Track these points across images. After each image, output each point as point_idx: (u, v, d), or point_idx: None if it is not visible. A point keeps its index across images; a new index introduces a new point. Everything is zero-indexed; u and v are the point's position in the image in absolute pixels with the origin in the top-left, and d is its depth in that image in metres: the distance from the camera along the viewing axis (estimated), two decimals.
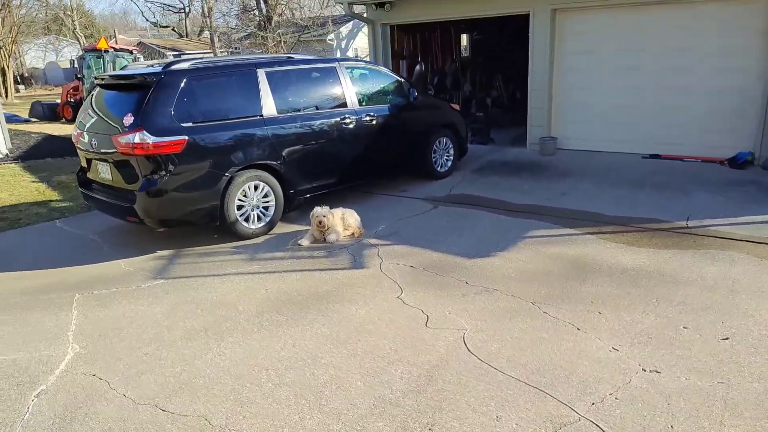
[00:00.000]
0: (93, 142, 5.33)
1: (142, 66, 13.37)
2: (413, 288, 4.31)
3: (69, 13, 38.62)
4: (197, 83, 5.18)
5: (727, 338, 3.42)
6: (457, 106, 8.25)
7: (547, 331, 3.61)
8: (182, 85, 5.05)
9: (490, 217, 5.99)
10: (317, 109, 6.14)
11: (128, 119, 4.91)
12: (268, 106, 5.61)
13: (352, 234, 5.53)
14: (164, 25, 44.17)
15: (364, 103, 6.57)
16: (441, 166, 7.64)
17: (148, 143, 4.81)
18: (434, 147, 7.45)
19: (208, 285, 4.52)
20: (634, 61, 8.07)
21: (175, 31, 44.33)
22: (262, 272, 4.74)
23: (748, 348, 3.30)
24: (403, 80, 7.26)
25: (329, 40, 27.45)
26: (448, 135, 7.65)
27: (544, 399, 2.94)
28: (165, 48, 35.86)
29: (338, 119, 6.21)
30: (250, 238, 5.54)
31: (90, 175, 5.73)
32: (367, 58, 11.35)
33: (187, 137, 4.97)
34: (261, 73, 5.61)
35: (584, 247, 5.00)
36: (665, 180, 6.93)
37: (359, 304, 4.09)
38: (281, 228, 5.86)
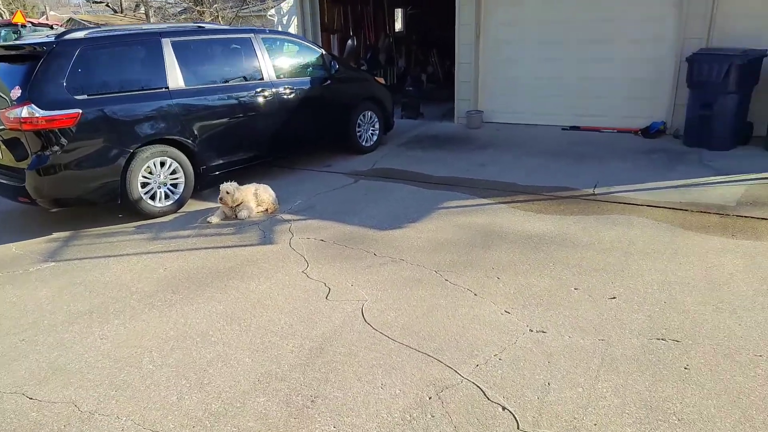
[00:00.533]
0: None
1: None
2: (319, 262, 4.24)
3: None
4: (93, 53, 4.86)
5: (614, 297, 3.52)
6: (382, 80, 8.16)
7: (445, 297, 3.62)
8: (76, 55, 4.72)
9: (409, 189, 5.97)
10: (230, 81, 5.91)
11: (16, 92, 4.56)
12: (175, 78, 5.34)
13: (266, 210, 5.39)
14: (97, 0, 41.81)
15: (281, 76, 6.37)
16: (366, 141, 7.56)
17: (37, 117, 4.50)
18: (358, 121, 7.35)
19: (103, 266, 4.30)
20: (556, 33, 8.16)
21: (109, 6, 42.08)
22: (163, 251, 4.56)
23: (632, 306, 3.40)
24: (324, 53, 7.08)
25: (269, 15, 26.69)
26: (373, 109, 7.56)
27: (431, 364, 2.94)
28: (97, 25, 34.04)
29: (253, 92, 6.00)
30: (157, 217, 5.31)
31: None
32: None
33: (81, 110, 4.67)
34: (166, 43, 5.32)
35: (494, 215, 5.05)
36: (580, 150, 7.09)
37: (261, 279, 3.99)
38: (193, 206, 5.65)
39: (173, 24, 8.30)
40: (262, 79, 6.11)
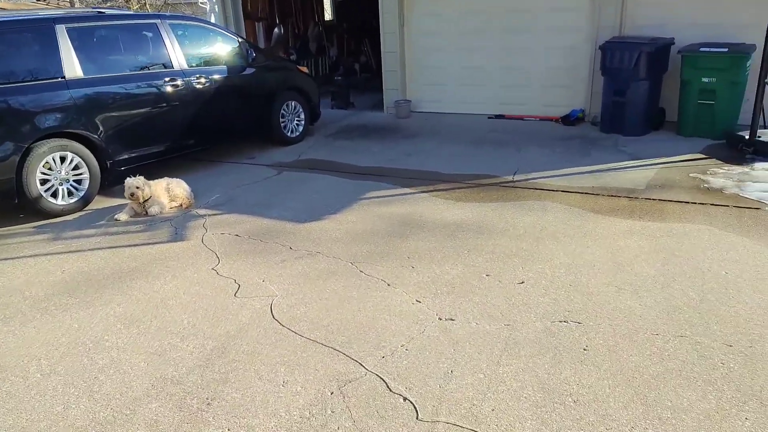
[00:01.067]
0: None
1: None
2: (232, 258, 4.09)
3: None
4: None
5: (522, 282, 3.56)
6: (306, 69, 7.98)
7: (358, 289, 3.56)
8: None
9: (331, 180, 5.87)
10: (136, 70, 5.60)
11: None
12: (72, 67, 5.00)
13: (180, 205, 5.16)
14: None
15: (194, 65, 6.10)
16: (291, 131, 7.38)
17: None
18: (282, 111, 7.16)
19: None
20: (479, 23, 8.21)
21: None
22: (63, 252, 4.27)
23: (539, 290, 3.46)
24: (241, 41, 6.84)
25: (201, 2, 25.72)
26: (297, 98, 7.38)
27: (337, 358, 2.88)
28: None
29: (162, 81, 5.71)
30: (60, 216, 4.98)
31: None
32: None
33: None
34: (61, 30, 4.97)
35: (415, 205, 5.03)
36: (503, 138, 7.19)
37: (167, 278, 3.80)
38: (101, 203, 5.34)
39: (70, 9, 7.78)
40: (172, 67, 5.83)
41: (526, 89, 8.19)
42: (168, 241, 4.43)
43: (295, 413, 2.50)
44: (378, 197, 5.29)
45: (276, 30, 11.37)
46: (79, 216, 5.03)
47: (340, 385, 2.67)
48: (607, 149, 6.46)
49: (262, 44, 11.07)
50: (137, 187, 4.90)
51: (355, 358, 2.86)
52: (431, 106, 8.91)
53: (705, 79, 6.32)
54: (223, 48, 6.58)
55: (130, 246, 4.35)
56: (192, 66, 6.06)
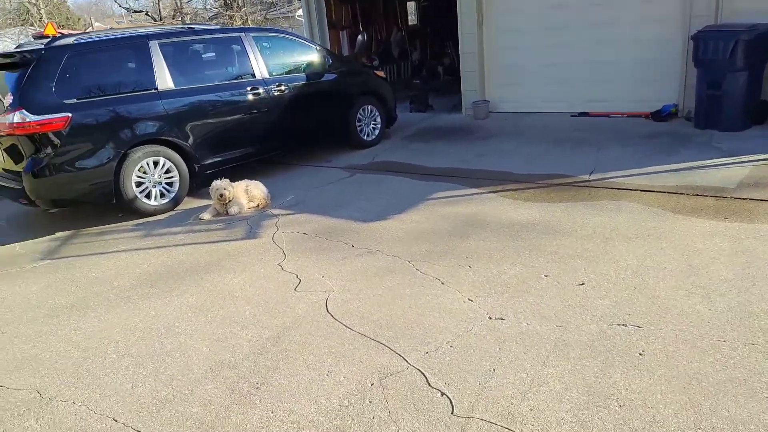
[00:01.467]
0: None
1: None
2: (297, 254, 4.28)
3: (33, 1, 37.72)
4: (81, 58, 5.05)
5: (582, 284, 3.42)
6: (382, 73, 8.13)
7: (411, 287, 3.59)
8: (64, 60, 4.92)
9: (403, 181, 5.94)
10: (222, 81, 6.03)
11: (9, 98, 4.79)
12: (164, 80, 5.49)
13: (258, 205, 5.48)
14: (137, 10, 43.38)
15: (275, 74, 6.45)
16: (367, 135, 7.56)
17: (28, 122, 4.71)
18: (358, 115, 7.36)
19: (93, 263, 4.47)
20: (561, 18, 7.94)
21: (149, 15, 43.61)
22: (151, 247, 4.69)
23: (600, 292, 3.30)
24: (319, 48, 7.13)
25: (298, 16, 26.99)
26: (373, 103, 7.55)
27: (382, 351, 2.93)
28: None
29: (245, 90, 6.09)
30: (153, 215, 5.47)
31: None
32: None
33: (70, 114, 4.86)
34: (154, 45, 5.48)
35: (481, 205, 4.97)
36: (584, 136, 6.89)
37: (237, 272, 4.06)
38: (189, 203, 5.79)
39: (165, 26, 8.44)
40: (254, 76, 6.20)
41: (612, 85, 7.79)
42: (242, 239, 4.72)
43: (334, 401, 2.59)
44: (445, 197, 5.28)
45: (359, 37, 11.71)
46: (169, 215, 5.50)
47: (381, 377, 2.72)
48: (699, 146, 5.98)
49: (346, 52, 11.43)
50: (225, 189, 5.27)
51: (399, 353, 2.90)
52: (511, 106, 8.72)
53: None
54: (301, 57, 6.89)
55: (208, 243, 4.69)
56: (273, 75, 6.41)
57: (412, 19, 13.37)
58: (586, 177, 5.39)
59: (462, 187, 5.55)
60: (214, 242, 4.69)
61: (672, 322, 2.93)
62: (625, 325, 2.94)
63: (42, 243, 5.03)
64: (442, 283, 3.60)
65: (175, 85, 5.56)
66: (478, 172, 5.98)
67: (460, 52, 8.78)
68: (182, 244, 4.71)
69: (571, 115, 8.05)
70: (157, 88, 5.43)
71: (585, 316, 3.06)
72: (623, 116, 7.62)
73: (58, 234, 5.23)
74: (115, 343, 3.25)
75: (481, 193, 5.29)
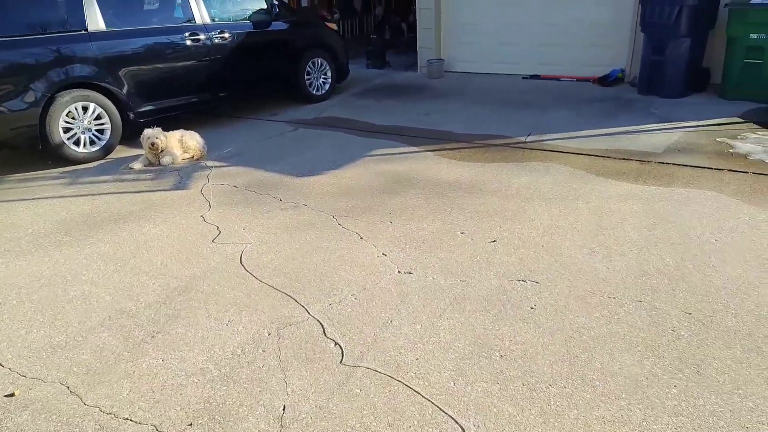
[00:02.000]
0: None
1: None
2: (222, 207, 4.22)
3: None
4: None
5: (494, 241, 3.47)
6: (334, 26, 7.93)
7: (330, 241, 3.60)
8: None
9: (344, 137, 5.88)
10: (158, 24, 5.78)
11: None
12: (95, 20, 5.23)
13: (192, 156, 5.36)
14: None
15: (217, 20, 6.21)
16: (317, 89, 7.42)
17: None
18: (307, 68, 7.19)
19: (11, 209, 4.33)
20: None
21: None
22: (74, 195, 4.57)
23: (509, 249, 3.36)
24: None
25: None
26: (323, 56, 7.38)
27: (286, 303, 2.95)
28: None
29: (184, 36, 5.87)
30: (82, 163, 5.30)
31: None
32: None
33: None
34: None
35: (416, 163, 4.97)
36: (530, 99, 6.90)
37: (156, 222, 3.99)
38: (122, 152, 5.63)
39: None
40: (194, 21, 5.96)
41: (565, 48, 7.78)
42: (169, 189, 4.63)
43: (228, 350, 2.60)
44: (382, 155, 5.26)
45: None
46: (99, 164, 5.34)
47: (279, 327, 2.74)
48: (637, 111, 6.06)
49: (305, 2, 11.07)
50: (156, 138, 5.13)
51: (302, 304, 2.92)
52: (466, 66, 8.65)
53: (753, 36, 5.74)
54: (247, 4, 6.65)
55: (134, 192, 4.59)
56: (215, 21, 6.18)
57: None
58: (522, 139, 5.42)
59: (402, 145, 5.53)
60: (139, 192, 4.59)
61: (569, 279, 3.01)
62: (525, 281, 3.01)
63: None
64: (361, 238, 3.61)
65: (106, 27, 5.31)
66: (421, 131, 5.95)
67: (417, 8, 8.61)
68: (107, 193, 4.59)
69: (523, 78, 8.03)
70: (87, 29, 5.17)
71: (489, 272, 3.12)
72: (573, 80, 7.64)
73: None
74: (17, 289, 3.18)
75: (419, 152, 5.28)
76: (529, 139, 5.39)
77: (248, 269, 3.30)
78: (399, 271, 3.19)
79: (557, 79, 7.76)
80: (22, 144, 5.01)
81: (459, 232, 3.62)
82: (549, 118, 6.04)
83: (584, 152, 4.92)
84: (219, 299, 3.01)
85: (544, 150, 5.07)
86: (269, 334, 2.70)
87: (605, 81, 7.24)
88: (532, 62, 8.07)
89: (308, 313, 2.85)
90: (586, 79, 7.52)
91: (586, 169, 4.55)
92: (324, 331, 2.69)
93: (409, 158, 5.12)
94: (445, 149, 5.32)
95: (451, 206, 4.01)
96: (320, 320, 2.78)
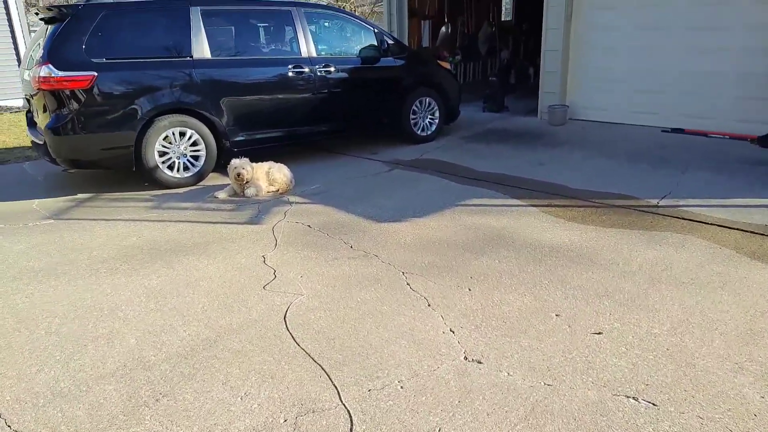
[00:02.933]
0: (27, 79, 5.26)
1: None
2: (288, 248, 3.82)
3: None
4: (117, 18, 4.90)
5: (600, 333, 2.66)
6: (447, 65, 7.50)
7: (391, 304, 3.01)
8: (98, 18, 4.80)
9: (440, 182, 5.31)
10: (263, 56, 5.72)
11: (40, 53, 4.75)
12: (200, 48, 5.25)
13: (278, 190, 5.10)
14: None
15: (323, 53, 6.05)
16: (422, 129, 6.98)
17: (53, 77, 4.63)
18: (413, 107, 6.79)
19: (89, 228, 4.29)
20: (659, 17, 6.89)
21: None
22: (152, 220, 4.44)
23: (618, 347, 2.54)
24: (377, 31, 6.62)
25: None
26: (432, 95, 6.95)
27: (317, 379, 2.40)
28: None
29: (288, 68, 5.74)
30: (174, 188, 5.26)
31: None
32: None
33: (96, 73, 4.73)
34: (195, 12, 5.24)
35: (515, 219, 4.25)
36: (669, 155, 5.86)
37: (216, 259, 3.67)
38: (214, 180, 5.54)
39: None
40: (300, 54, 5.83)
41: (714, 99, 6.65)
42: (243, 223, 4.35)
43: None
44: (477, 205, 4.61)
45: (443, 29, 11.08)
46: (189, 190, 5.27)
47: (300, 413, 2.19)
48: None
49: (426, 42, 10.84)
50: (243, 168, 4.96)
51: (336, 384, 2.35)
52: (594, 114, 7.75)
53: None
54: (356, 38, 6.44)
55: (208, 223, 4.37)
56: (321, 54, 6.01)
57: (505, 13, 12.51)
58: (655, 202, 4.48)
59: (503, 196, 4.84)
60: (213, 223, 4.36)
61: (701, 406, 2.14)
62: (636, 399, 2.19)
63: (59, 202, 4.97)
64: (429, 305, 2.99)
65: (211, 55, 5.31)
66: (529, 182, 5.22)
67: (542, 50, 7.93)
68: (183, 221, 4.42)
69: (662, 131, 6.97)
70: (192, 56, 5.20)
71: (586, 377, 2.34)
72: (724, 137, 6.45)
73: (80, 195, 5.16)
74: (52, 319, 2.96)
75: (521, 206, 4.56)
76: (663, 203, 4.45)
77: (289, 327, 2.81)
78: (466, 358, 2.51)
79: (705, 134, 6.61)
80: (117, 165, 5.07)
81: (553, 314, 2.86)
82: (691, 180, 5.01)
83: (735, 226, 3.89)
84: (244, 362, 2.54)
85: (681, 218, 4.11)
86: (285, 421, 2.15)
87: (766, 141, 6.00)
88: (674, 113, 7.00)
89: (339, 398, 2.27)
90: (742, 138, 6.30)
91: (735, 248, 3.54)
92: (351, 429, 2.10)
93: (507, 212, 4.41)
94: (553, 205, 4.54)
95: (548, 278, 3.26)
96: (351, 411, 2.18)
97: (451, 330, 2.74)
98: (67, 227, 4.32)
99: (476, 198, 4.80)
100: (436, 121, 7.06)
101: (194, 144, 5.32)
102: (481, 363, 2.46)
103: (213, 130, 5.39)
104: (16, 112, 10.84)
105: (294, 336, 2.73)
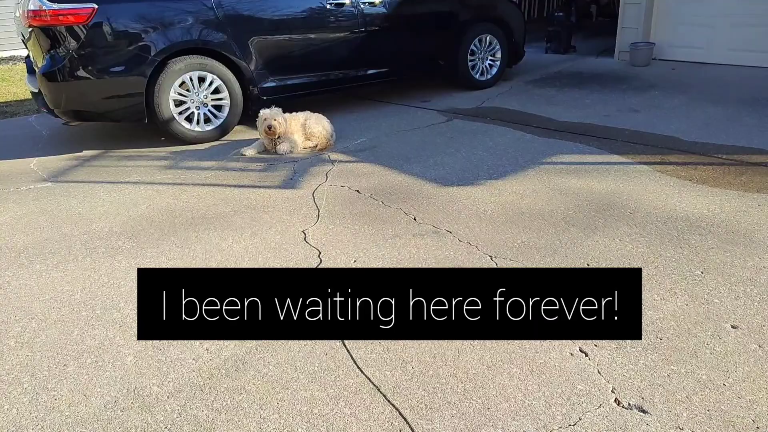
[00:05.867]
0: (17, 16, 4.44)
1: None
2: (334, 220, 2.98)
3: None
4: None
5: None
6: None
7: None
8: None
9: (513, 135, 4.35)
10: None
11: None
12: None
13: (316, 146, 4.23)
14: None
15: None
16: (481, 73, 5.93)
17: (45, 11, 3.79)
18: (472, 47, 5.74)
19: (91, 193, 3.51)
20: None
21: None
22: (166, 183, 3.64)
23: None
24: None
25: None
26: (494, 32, 5.86)
27: (390, 426, 1.59)
28: None
29: (326, 1, 4.76)
30: (193, 143, 4.44)
31: None
32: None
33: (96, 5, 3.86)
34: None
35: (624, 181, 3.30)
36: None
37: (244, 235, 2.86)
38: (240, 134, 4.70)
39: None
40: None
41: None
42: (276, 187, 3.51)
43: None
44: (569, 164, 3.66)
45: None
46: (211, 146, 4.43)
47: None
48: None
49: None
50: (274, 119, 4.09)
51: None
52: (685, 54, 6.54)
53: None
54: None
55: (233, 187, 3.54)
56: None
57: None
58: None
59: (598, 151, 3.87)
60: (240, 187, 3.54)
61: None
62: None
63: (61, 161, 4.21)
64: None
65: None
66: (626, 133, 4.22)
67: None
68: (202, 184, 3.61)
69: None
70: None
71: None
72: None
73: (85, 152, 4.39)
74: (26, 321, 2.21)
75: (626, 163, 3.59)
76: None
77: (348, 346, 1.99)
78: (618, 401, 1.66)
79: None
80: (125, 117, 4.25)
81: (728, 325, 1.96)
82: None
83: None
84: (285, 398, 1.74)
85: None
86: None
87: None
88: None
89: None
90: None
91: None
92: None
93: (611, 172, 3.46)
94: (669, 162, 3.56)
95: (700, 267, 2.34)
96: None
97: (582, 351, 1.88)
98: (66, 192, 3.56)
99: (564, 154, 3.85)
100: (498, 63, 6.00)
101: (216, 91, 4.44)
102: (644, 413, 1.61)
103: (238, 74, 4.49)
104: None
105: (355, 357, 1.91)
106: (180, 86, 4.28)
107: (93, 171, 3.96)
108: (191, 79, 4.31)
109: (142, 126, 4.48)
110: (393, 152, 4.06)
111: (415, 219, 2.94)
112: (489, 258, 2.51)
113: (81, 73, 3.98)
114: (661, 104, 4.93)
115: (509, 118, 4.84)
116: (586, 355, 1.85)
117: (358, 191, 3.36)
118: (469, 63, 5.79)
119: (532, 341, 1.92)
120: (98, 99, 4.08)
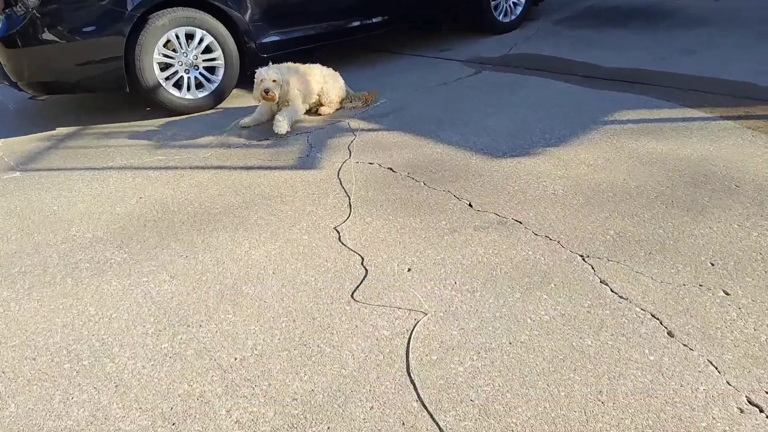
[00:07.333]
0: None
1: None
2: (371, 211, 2.42)
3: None
4: None
5: None
6: None
7: (591, 329, 1.64)
8: None
9: (555, 87, 3.74)
10: None
11: None
12: None
13: (317, 110, 3.62)
14: None
15: None
16: (505, 13, 5.24)
17: None
18: None
19: (68, 185, 2.91)
20: None
21: None
22: (157, 167, 3.04)
23: None
24: None
25: None
26: None
27: None
28: None
29: None
30: (183, 113, 3.80)
31: None
32: None
33: None
34: None
35: (714, 142, 2.74)
36: None
37: (262, 236, 2.30)
38: (237, 100, 4.05)
39: None
40: None
41: None
42: (291, 168, 2.93)
43: None
44: (637, 121, 3.08)
45: None
46: (205, 116, 3.79)
47: None
48: None
49: None
50: (273, 81, 3.42)
51: None
52: None
53: None
54: None
55: (240, 169, 2.95)
56: None
57: None
58: None
59: (667, 103, 3.28)
60: (247, 169, 2.95)
61: None
62: None
63: (30, 143, 3.57)
64: (669, 334, 1.61)
65: None
66: (688, 79, 3.62)
67: None
68: (201, 167, 3.01)
69: None
70: None
71: None
72: None
73: (59, 130, 3.75)
74: None
75: (706, 119, 3.01)
76: None
77: (419, 388, 1.47)
78: None
79: None
80: (103, 86, 3.59)
81: None
82: None
83: None
84: None
85: None
86: None
87: None
88: None
89: None
90: None
91: None
92: None
93: (692, 131, 2.89)
94: (756, 117, 2.98)
95: None
96: None
97: (728, 383, 1.37)
98: (38, 185, 2.96)
99: (626, 109, 3.25)
100: (522, 1, 5.29)
101: (207, 50, 3.76)
102: None
103: (232, 29, 3.81)
104: None
105: (430, 410, 1.40)
106: (165, 46, 3.60)
107: (69, 154, 3.34)
108: (177, 37, 3.63)
109: (123, 96, 3.84)
110: (422, 115, 3.45)
111: (470, 205, 2.39)
112: (580, 258, 1.97)
113: (46, 35, 3.30)
114: (719, 43, 4.30)
115: (546, 66, 4.21)
116: (731, 385, 1.35)
117: (391, 169, 2.78)
118: (492, 3, 5.08)
119: (672, 362, 1.41)
120: (69, 66, 3.41)
